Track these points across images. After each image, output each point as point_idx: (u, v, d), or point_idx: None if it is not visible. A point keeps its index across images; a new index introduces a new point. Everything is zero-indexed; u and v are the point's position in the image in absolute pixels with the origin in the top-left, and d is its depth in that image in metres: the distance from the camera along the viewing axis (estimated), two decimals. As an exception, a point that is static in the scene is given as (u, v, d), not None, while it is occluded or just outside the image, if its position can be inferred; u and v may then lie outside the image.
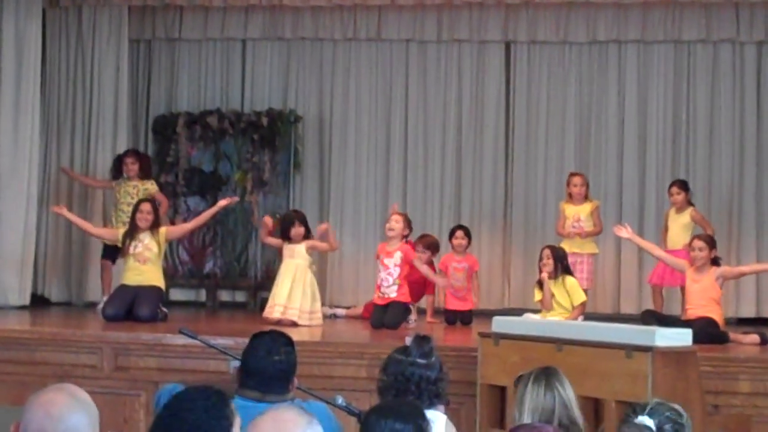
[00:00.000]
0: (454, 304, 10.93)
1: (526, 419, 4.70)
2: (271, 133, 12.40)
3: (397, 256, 10.26)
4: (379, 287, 10.35)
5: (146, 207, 10.46)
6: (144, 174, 11.46)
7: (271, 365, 4.72)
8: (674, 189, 11.09)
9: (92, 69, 12.18)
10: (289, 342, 4.89)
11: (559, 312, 9.82)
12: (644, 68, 12.40)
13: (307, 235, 10.44)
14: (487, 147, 12.60)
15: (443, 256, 11.21)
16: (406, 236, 10.62)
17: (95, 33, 12.21)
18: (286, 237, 10.43)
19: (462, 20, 12.51)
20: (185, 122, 12.52)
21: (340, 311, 11.45)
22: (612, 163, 12.41)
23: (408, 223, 10.67)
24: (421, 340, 5.09)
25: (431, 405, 4.95)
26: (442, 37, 12.60)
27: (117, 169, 11.56)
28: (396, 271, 10.25)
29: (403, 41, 12.77)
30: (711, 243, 9.80)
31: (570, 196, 11.21)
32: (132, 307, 10.09)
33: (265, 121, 12.41)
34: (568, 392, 4.83)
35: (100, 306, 10.82)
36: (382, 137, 12.79)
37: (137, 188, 11.38)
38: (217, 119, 12.48)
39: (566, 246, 10.63)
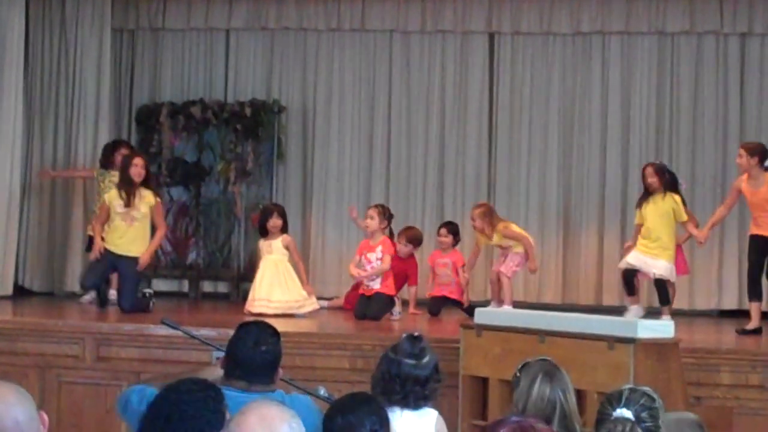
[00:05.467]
0: (441, 291, 10.99)
1: (530, 411, 4.62)
2: (255, 124, 12.37)
3: (379, 249, 10.46)
4: (362, 281, 10.52)
5: (140, 161, 10.25)
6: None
7: (259, 355, 4.72)
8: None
9: (75, 58, 12.12)
10: (275, 333, 4.90)
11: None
12: (628, 59, 12.40)
13: (284, 229, 10.48)
14: (471, 138, 12.59)
15: (432, 252, 11.25)
16: (384, 228, 10.66)
17: (78, 22, 12.15)
18: (264, 229, 10.46)
19: (446, 11, 12.49)
20: (168, 112, 12.48)
21: (323, 302, 11.45)
22: (595, 154, 12.40)
23: (384, 215, 10.68)
24: (413, 339, 5.02)
25: (417, 406, 4.92)
26: (425, 27, 12.59)
27: (106, 159, 11.39)
28: (379, 264, 10.45)
29: (386, 32, 12.75)
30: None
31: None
32: (110, 273, 10.22)
33: (248, 111, 12.38)
34: (570, 387, 4.79)
35: (85, 298, 10.83)
36: (365, 128, 12.77)
37: None
38: (201, 109, 12.45)
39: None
